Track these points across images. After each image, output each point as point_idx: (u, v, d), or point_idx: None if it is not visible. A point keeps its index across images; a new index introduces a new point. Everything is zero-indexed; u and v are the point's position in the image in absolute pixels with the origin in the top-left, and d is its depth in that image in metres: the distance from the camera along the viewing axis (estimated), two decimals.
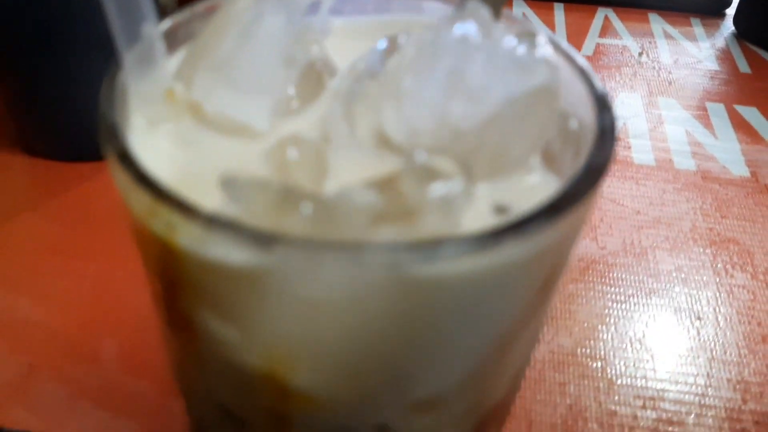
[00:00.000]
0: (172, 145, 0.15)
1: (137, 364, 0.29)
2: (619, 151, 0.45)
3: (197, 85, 0.15)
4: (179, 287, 0.14)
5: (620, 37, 0.60)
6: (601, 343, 0.33)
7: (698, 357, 0.32)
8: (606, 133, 0.15)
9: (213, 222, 0.11)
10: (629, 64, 0.56)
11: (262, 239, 0.11)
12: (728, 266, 0.37)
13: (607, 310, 0.34)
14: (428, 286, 0.12)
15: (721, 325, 0.34)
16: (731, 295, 0.36)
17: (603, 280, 0.36)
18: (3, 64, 0.38)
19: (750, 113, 0.50)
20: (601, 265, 0.37)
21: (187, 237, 0.12)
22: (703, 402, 0.30)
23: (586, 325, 0.33)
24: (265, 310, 0.13)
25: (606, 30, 0.61)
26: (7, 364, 0.29)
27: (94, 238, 0.35)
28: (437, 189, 0.12)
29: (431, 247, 0.12)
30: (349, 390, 0.15)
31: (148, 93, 0.15)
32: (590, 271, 0.36)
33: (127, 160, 0.13)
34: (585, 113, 0.16)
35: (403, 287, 0.12)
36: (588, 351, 0.32)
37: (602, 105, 0.16)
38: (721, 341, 0.33)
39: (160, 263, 0.14)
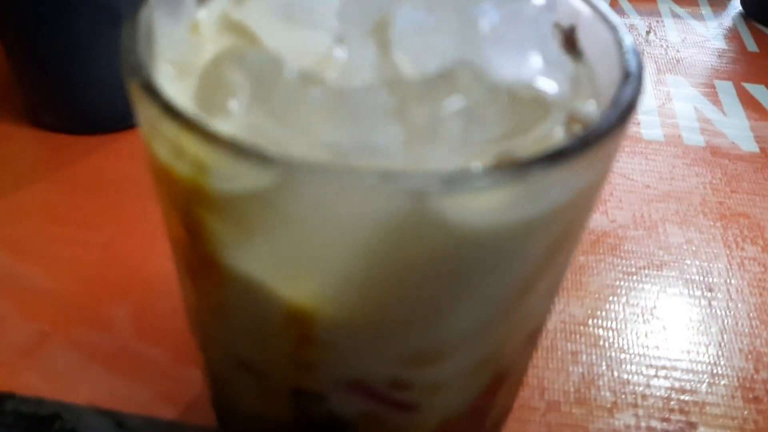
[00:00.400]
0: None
1: (149, 330, 0.29)
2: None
3: (251, 10, 0.15)
4: (204, 225, 0.14)
5: (627, 16, 0.59)
6: (613, 314, 0.32)
7: (710, 327, 0.32)
8: (632, 74, 0.15)
9: (241, 148, 0.11)
10: (637, 43, 0.55)
11: (287, 163, 0.11)
12: (739, 239, 0.37)
13: (618, 282, 0.34)
14: (455, 219, 0.12)
15: (732, 296, 0.34)
16: (742, 268, 0.35)
17: (614, 252, 0.36)
18: (11, 36, 0.38)
19: (758, 91, 0.50)
20: (612, 238, 0.37)
21: (216, 167, 0.12)
22: (715, 371, 0.30)
23: (597, 296, 0.33)
24: (288, 239, 0.12)
25: (613, 9, 0.60)
26: (19, 332, 0.29)
27: (103, 208, 0.35)
28: (458, 100, 0.12)
29: (459, 176, 0.11)
30: (367, 332, 0.15)
31: (174, 30, 0.15)
32: (601, 244, 0.36)
33: (151, 90, 0.13)
34: (610, 58, 0.16)
35: (430, 221, 0.12)
36: (600, 321, 0.32)
37: (626, 49, 0.16)
38: (732, 312, 0.33)
39: (185, 201, 0.14)
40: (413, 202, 0.11)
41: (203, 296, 0.17)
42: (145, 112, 0.13)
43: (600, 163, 0.14)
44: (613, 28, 0.17)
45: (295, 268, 0.13)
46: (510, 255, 0.14)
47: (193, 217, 0.14)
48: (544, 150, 0.12)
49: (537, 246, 0.14)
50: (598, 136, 0.13)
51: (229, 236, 0.13)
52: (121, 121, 0.40)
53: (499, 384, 0.20)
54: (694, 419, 0.28)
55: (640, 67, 0.15)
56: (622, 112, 0.13)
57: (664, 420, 0.28)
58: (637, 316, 0.32)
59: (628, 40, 0.16)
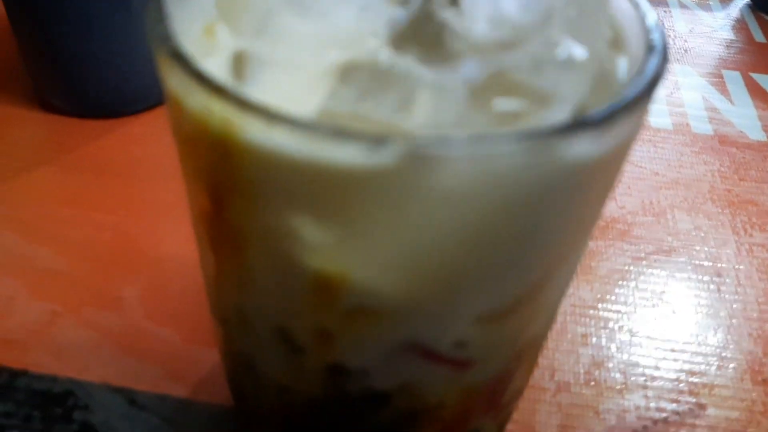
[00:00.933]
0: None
1: (159, 310, 0.29)
2: None
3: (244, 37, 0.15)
4: (240, 195, 0.13)
5: None
6: (623, 298, 0.33)
7: (719, 312, 0.32)
8: (656, 46, 0.15)
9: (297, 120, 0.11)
10: None
11: (366, 138, 0.11)
12: (747, 226, 0.37)
13: (627, 267, 0.34)
14: (568, 158, 0.12)
15: (741, 282, 0.34)
16: (750, 254, 0.36)
17: (623, 238, 0.36)
18: (20, 20, 0.38)
19: (766, 81, 0.50)
20: (621, 224, 0.37)
21: (252, 133, 0.12)
22: (724, 354, 0.30)
23: (606, 280, 0.33)
24: (364, 214, 0.12)
25: None
26: (31, 311, 0.29)
27: (112, 190, 0.35)
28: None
29: (577, 124, 0.12)
30: (432, 295, 0.15)
31: (186, 29, 0.15)
32: (610, 230, 0.36)
33: (181, 58, 0.12)
34: (635, 32, 0.16)
35: (547, 164, 0.12)
36: (609, 305, 0.32)
37: (650, 25, 0.16)
38: (740, 297, 0.33)
39: (217, 172, 0.14)
40: (537, 152, 0.12)
41: (230, 268, 0.17)
42: (174, 80, 0.13)
43: (638, 114, 0.15)
44: (636, 5, 0.17)
45: (359, 245, 0.13)
46: (589, 198, 0.15)
47: (226, 188, 0.14)
48: (627, 97, 0.13)
49: (602, 183, 0.15)
50: (639, 93, 0.13)
51: (273, 208, 0.13)
52: (129, 104, 0.40)
53: (519, 359, 0.20)
54: (703, 401, 0.28)
55: (664, 41, 0.15)
56: (650, 80, 0.14)
57: (673, 401, 0.28)
58: (647, 300, 0.33)
59: (651, 16, 0.16)
